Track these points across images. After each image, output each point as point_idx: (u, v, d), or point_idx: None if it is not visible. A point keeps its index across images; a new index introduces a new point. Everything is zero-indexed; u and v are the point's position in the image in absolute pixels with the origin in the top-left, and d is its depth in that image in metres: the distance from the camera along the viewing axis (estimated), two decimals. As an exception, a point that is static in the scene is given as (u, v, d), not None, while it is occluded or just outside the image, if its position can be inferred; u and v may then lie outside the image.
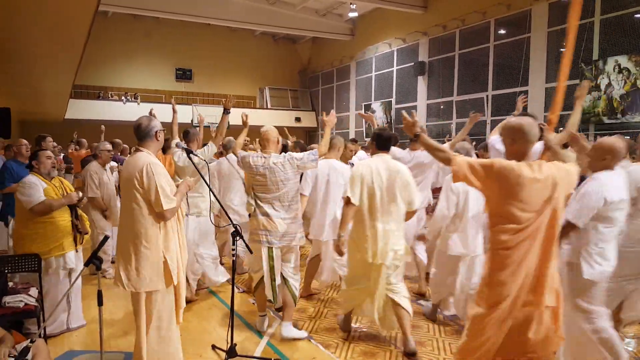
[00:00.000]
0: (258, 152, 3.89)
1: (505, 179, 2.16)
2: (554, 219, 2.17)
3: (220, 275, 4.81)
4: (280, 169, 3.62)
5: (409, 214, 3.54)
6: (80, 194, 3.85)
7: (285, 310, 3.79)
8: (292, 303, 3.79)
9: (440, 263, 3.96)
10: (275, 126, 3.98)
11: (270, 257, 3.66)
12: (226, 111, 4.35)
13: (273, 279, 3.69)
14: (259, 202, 3.69)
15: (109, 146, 5.65)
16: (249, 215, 3.85)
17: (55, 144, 8.11)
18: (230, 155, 5.23)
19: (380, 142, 3.59)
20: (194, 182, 3.09)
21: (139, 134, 2.82)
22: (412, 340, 3.45)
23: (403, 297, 3.49)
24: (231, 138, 5.30)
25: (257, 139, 4.45)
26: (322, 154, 3.85)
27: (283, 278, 3.77)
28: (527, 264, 2.15)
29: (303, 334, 3.80)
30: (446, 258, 3.83)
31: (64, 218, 3.66)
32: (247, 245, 3.47)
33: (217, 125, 5.19)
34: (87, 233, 3.93)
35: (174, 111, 5.00)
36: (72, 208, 3.76)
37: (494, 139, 3.86)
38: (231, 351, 3.20)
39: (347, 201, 3.45)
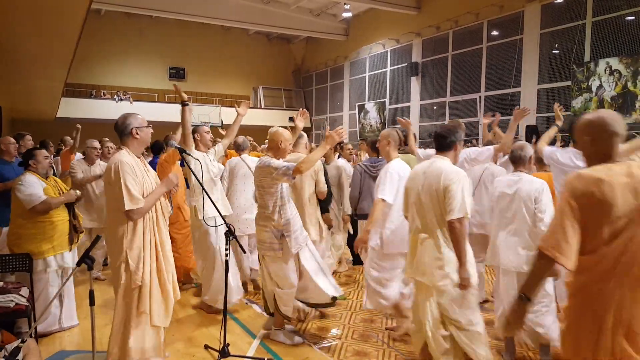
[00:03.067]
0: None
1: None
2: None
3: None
4: (257, 175, 3.50)
5: None
6: (78, 192, 3.86)
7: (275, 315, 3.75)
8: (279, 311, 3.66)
9: None
10: (268, 126, 3.92)
11: (260, 264, 3.68)
12: (184, 103, 4.06)
13: (263, 285, 3.71)
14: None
15: (96, 144, 5.59)
16: None
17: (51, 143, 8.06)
18: (246, 156, 5.01)
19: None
20: (176, 179, 2.97)
21: (117, 132, 2.85)
22: None
23: None
24: (244, 137, 5.15)
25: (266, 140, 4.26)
26: (298, 172, 3.28)
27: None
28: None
29: (289, 337, 3.68)
30: None
31: (62, 217, 3.68)
32: (240, 246, 3.47)
33: (210, 124, 5.16)
34: (82, 232, 3.94)
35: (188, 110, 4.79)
36: (70, 207, 3.77)
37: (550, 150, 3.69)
38: (224, 351, 3.20)
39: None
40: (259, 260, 3.68)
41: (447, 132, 2.90)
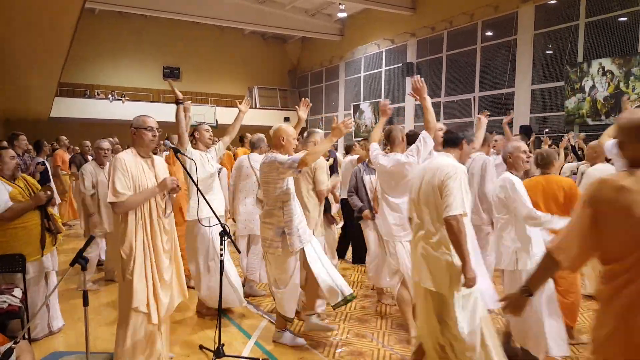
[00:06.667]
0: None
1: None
2: None
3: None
4: (263, 171, 3.48)
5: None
6: (49, 192, 3.63)
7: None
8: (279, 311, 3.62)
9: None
10: (263, 126, 3.92)
11: (263, 256, 3.70)
12: (178, 102, 4.02)
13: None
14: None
15: (106, 144, 5.16)
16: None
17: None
18: (253, 155, 4.86)
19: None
20: (172, 182, 2.93)
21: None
22: None
23: None
24: (261, 136, 4.97)
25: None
26: (303, 163, 3.22)
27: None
28: None
29: (290, 337, 3.64)
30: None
31: (35, 221, 3.50)
32: (235, 246, 3.45)
33: (206, 124, 5.06)
34: (60, 232, 3.75)
35: (185, 110, 4.69)
36: (42, 209, 3.57)
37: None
38: (219, 351, 3.20)
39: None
40: (264, 259, 3.66)
41: (456, 129, 2.86)
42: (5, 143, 6.22)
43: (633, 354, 1.56)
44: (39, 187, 3.75)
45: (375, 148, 3.89)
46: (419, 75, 3.79)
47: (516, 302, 1.88)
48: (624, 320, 1.59)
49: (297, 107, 4.31)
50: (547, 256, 1.78)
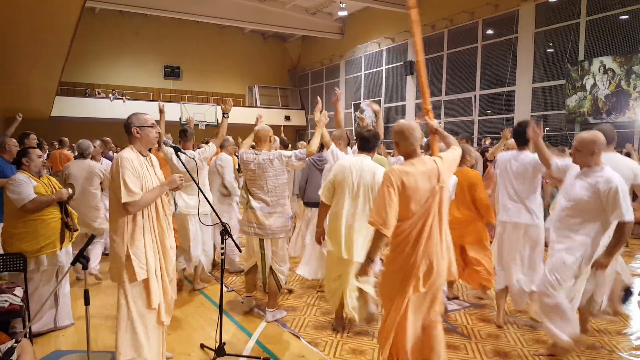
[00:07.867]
0: (251, 149, 4.13)
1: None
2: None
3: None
4: (268, 166, 3.89)
5: None
6: (70, 190, 3.86)
7: (269, 298, 4.11)
8: (276, 291, 4.11)
9: None
10: (267, 125, 4.06)
11: (262, 247, 3.99)
12: (225, 115, 4.61)
13: (264, 267, 4.06)
14: (250, 196, 3.98)
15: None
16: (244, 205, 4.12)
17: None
18: (222, 154, 5.42)
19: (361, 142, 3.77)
20: (178, 178, 2.96)
21: (125, 130, 2.92)
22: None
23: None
24: (228, 137, 5.52)
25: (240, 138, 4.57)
26: (310, 154, 3.95)
27: (270, 267, 4.07)
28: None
29: (283, 312, 4.20)
30: None
31: (54, 215, 3.68)
32: (236, 245, 3.46)
33: (206, 123, 5.25)
34: (76, 230, 3.93)
35: (161, 112, 5.14)
36: (62, 205, 3.77)
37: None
38: (220, 350, 3.20)
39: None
40: (261, 246, 4.01)
41: (372, 137, 3.69)
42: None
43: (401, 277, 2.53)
44: (60, 186, 3.92)
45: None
46: (337, 88, 4.54)
47: (364, 268, 2.63)
48: (400, 262, 2.54)
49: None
50: (375, 232, 2.51)
